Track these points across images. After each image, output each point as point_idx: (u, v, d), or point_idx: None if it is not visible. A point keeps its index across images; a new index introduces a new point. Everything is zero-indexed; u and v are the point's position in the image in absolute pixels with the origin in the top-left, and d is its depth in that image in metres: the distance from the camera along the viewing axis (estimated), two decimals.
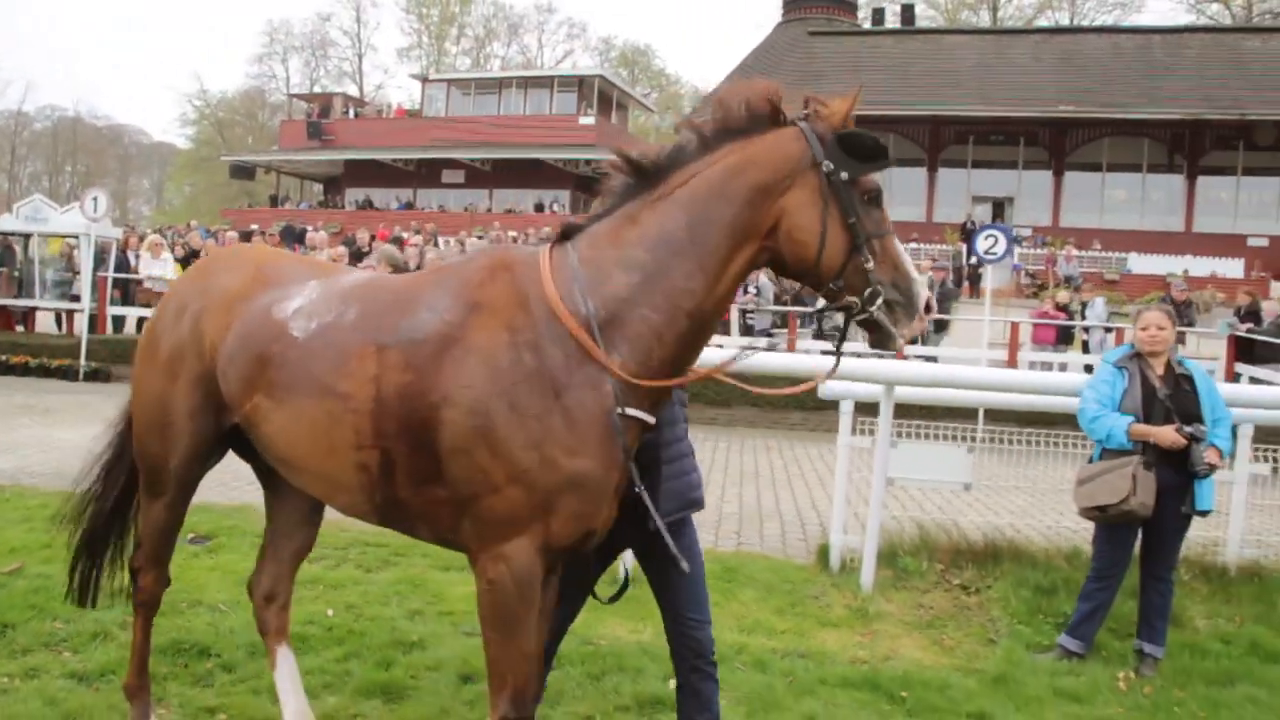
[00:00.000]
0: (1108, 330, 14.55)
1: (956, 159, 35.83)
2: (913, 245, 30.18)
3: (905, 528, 6.53)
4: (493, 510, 2.81)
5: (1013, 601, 5.58)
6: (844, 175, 2.78)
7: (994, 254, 12.51)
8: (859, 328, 2.89)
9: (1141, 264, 32.19)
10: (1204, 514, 4.90)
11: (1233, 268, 32.58)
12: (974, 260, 26.61)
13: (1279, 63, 34.03)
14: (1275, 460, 6.34)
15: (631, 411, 2.83)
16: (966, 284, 27.46)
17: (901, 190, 35.96)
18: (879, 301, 2.80)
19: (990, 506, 7.17)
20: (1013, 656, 4.91)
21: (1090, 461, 4.98)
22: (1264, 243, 34.70)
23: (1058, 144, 35.45)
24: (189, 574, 5.51)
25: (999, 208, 36.00)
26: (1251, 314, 13.15)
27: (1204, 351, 14.17)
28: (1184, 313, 13.79)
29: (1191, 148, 35.18)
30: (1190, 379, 4.88)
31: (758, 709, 4.16)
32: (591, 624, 5.02)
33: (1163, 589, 4.96)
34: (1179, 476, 4.78)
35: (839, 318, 2.90)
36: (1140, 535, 4.95)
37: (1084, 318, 15.32)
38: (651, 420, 2.91)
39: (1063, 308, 15.33)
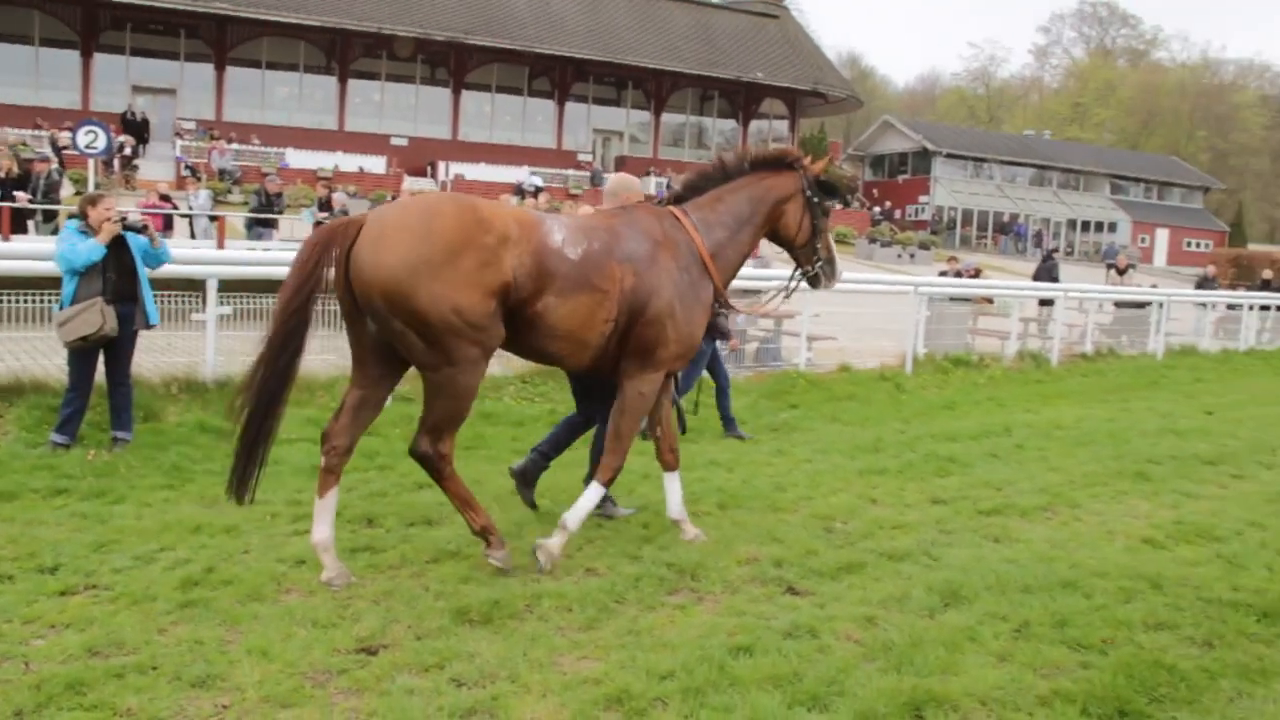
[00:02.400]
0: (211, 219, 16.77)
1: (114, 45, 35.43)
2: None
3: None
4: (660, 355, 5.08)
5: (26, 418, 7.37)
6: (816, 199, 5.56)
7: (95, 148, 13.82)
8: (805, 280, 5.75)
9: (299, 159, 35.25)
10: (153, 326, 7.11)
11: (378, 164, 37.19)
12: (125, 151, 27.22)
13: None
14: (233, 302, 8.87)
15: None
16: (120, 173, 27.83)
17: (50, 74, 34.69)
18: (819, 265, 5.69)
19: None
20: (13, 449, 6.73)
21: (62, 308, 6.86)
22: (404, 142, 40.03)
23: (220, 39, 36.83)
24: None
25: (163, 98, 36.47)
26: (327, 206, 16.36)
27: (297, 234, 17.21)
28: (276, 202, 16.58)
29: (343, 53, 38.93)
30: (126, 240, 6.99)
31: None
32: None
33: (125, 390, 7.11)
34: (129, 306, 6.92)
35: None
36: (102, 353, 7.01)
37: (190, 208, 17.46)
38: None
39: (166, 198, 17.15)
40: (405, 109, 41.12)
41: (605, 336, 4.95)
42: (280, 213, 17.05)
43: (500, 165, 39.55)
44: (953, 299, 14.74)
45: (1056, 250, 26.13)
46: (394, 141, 39.69)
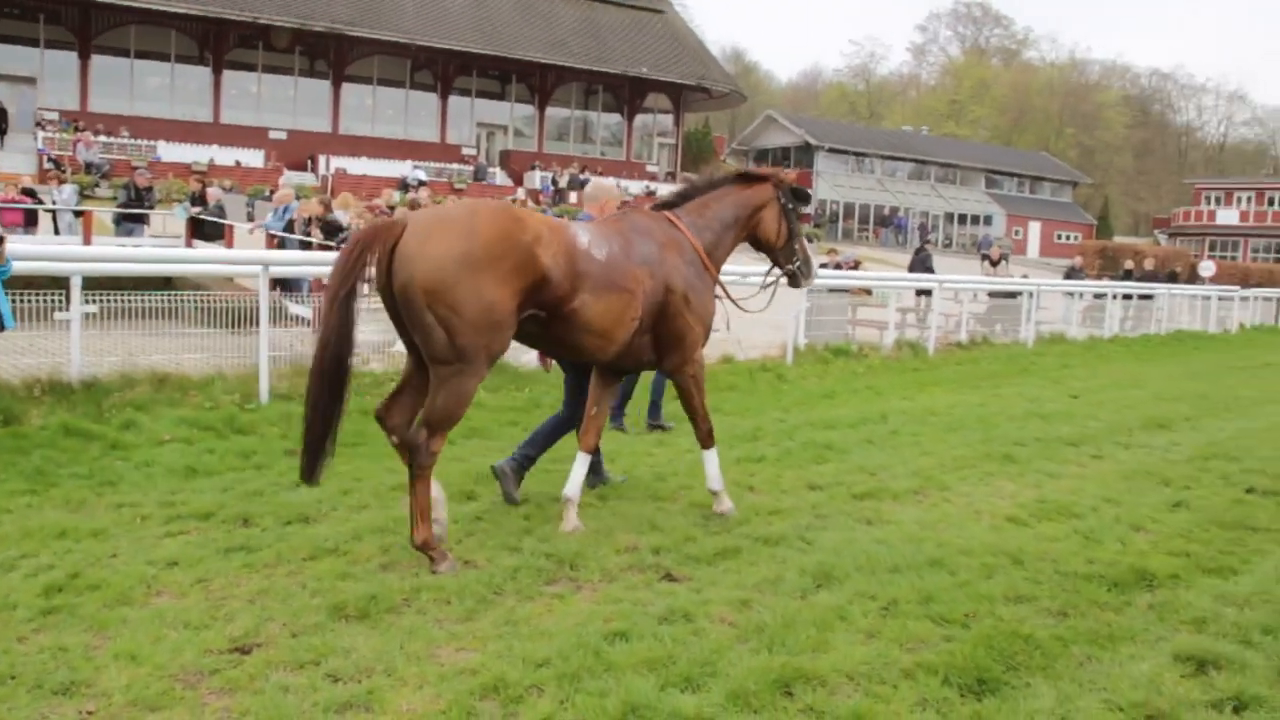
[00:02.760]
0: (77, 214, 16.15)
1: None
2: None
3: None
4: (691, 341, 5.71)
5: None
6: (790, 206, 6.23)
7: None
8: (785, 277, 6.38)
9: (171, 152, 34.18)
10: (6, 330, 6.85)
11: (255, 158, 36.29)
12: None
13: None
14: (98, 300, 8.58)
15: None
16: None
17: None
18: (796, 265, 6.30)
19: None
20: None
21: None
22: (283, 136, 39.09)
23: (83, 26, 35.41)
24: None
25: (22, 87, 34.87)
26: (201, 200, 15.89)
27: (169, 230, 16.72)
28: (147, 197, 16.04)
29: (218, 43, 37.81)
30: None
31: None
32: None
33: None
34: None
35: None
36: None
37: (54, 202, 16.79)
38: None
39: (29, 192, 16.48)
40: (283, 101, 40.14)
41: (631, 333, 5.46)
42: (151, 208, 16.52)
43: (383, 159, 38.96)
44: (833, 290, 15.06)
45: (930, 242, 26.91)
46: (272, 135, 38.73)
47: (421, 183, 34.13)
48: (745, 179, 6.22)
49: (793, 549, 5.33)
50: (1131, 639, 4.29)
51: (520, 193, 38.32)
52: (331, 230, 12.28)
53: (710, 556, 5.13)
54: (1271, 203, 62.34)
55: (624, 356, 5.61)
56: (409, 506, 4.90)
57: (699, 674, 3.71)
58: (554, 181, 41.13)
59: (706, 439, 5.93)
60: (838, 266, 17.27)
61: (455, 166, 40.80)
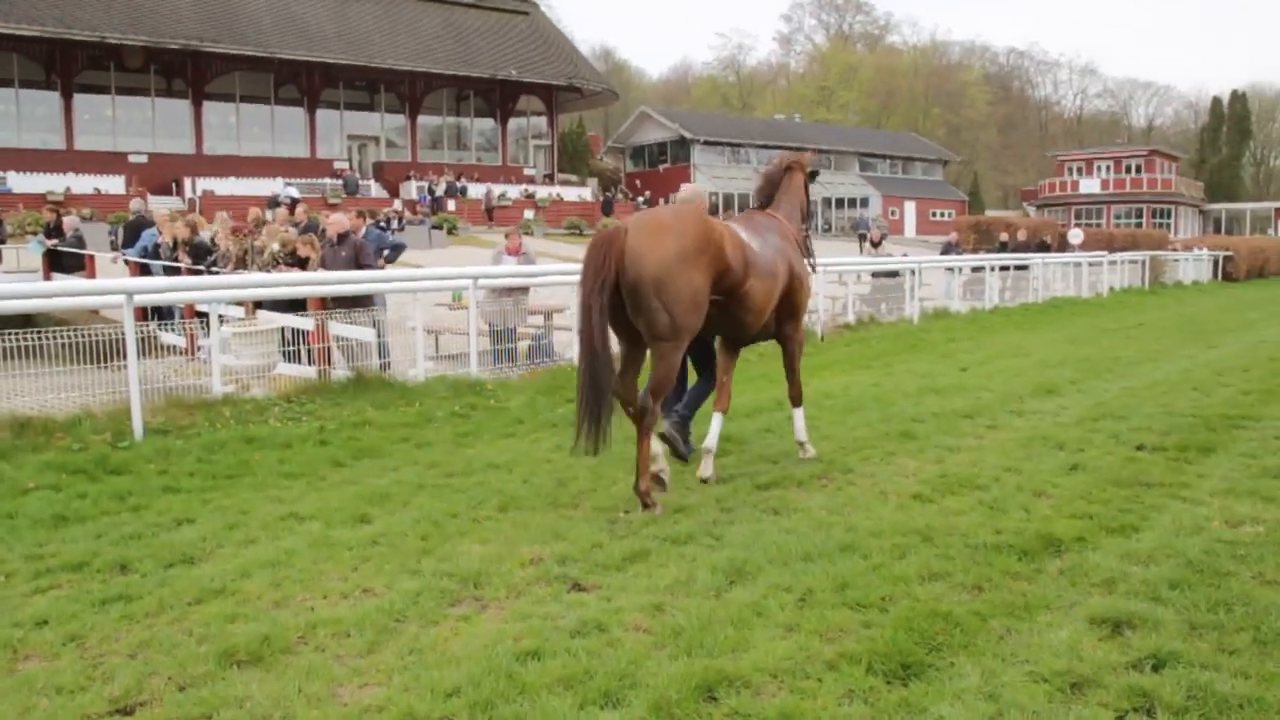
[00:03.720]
0: None
1: None
2: None
3: None
4: (802, 310, 7.11)
5: None
6: (810, 186, 7.68)
7: None
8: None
9: (22, 182, 32.66)
10: None
11: (116, 184, 34.87)
12: None
13: None
14: None
15: None
16: None
17: None
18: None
19: None
20: None
21: None
22: (144, 159, 37.66)
23: None
24: None
25: None
26: (57, 231, 15.07)
27: (25, 264, 15.84)
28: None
29: (65, 66, 36.21)
30: None
31: None
32: None
33: None
34: None
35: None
36: None
37: None
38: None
39: None
40: (142, 124, 38.70)
41: (772, 307, 6.66)
42: (2, 242, 15.63)
43: (252, 178, 37.83)
44: None
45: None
46: (132, 159, 37.30)
47: (295, 200, 33.17)
48: (790, 168, 7.53)
49: (702, 546, 5.21)
50: (1047, 607, 4.27)
51: (397, 204, 37.62)
52: (200, 253, 11.75)
53: (619, 562, 4.97)
54: (1129, 170, 64.95)
55: (763, 329, 6.81)
56: (637, 456, 5.95)
57: (618, 687, 3.55)
58: (430, 191, 40.52)
59: (798, 398, 7.28)
60: None
61: (328, 181, 39.87)
